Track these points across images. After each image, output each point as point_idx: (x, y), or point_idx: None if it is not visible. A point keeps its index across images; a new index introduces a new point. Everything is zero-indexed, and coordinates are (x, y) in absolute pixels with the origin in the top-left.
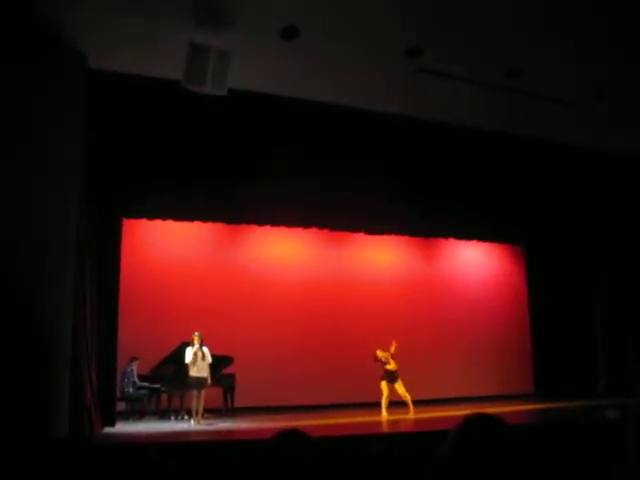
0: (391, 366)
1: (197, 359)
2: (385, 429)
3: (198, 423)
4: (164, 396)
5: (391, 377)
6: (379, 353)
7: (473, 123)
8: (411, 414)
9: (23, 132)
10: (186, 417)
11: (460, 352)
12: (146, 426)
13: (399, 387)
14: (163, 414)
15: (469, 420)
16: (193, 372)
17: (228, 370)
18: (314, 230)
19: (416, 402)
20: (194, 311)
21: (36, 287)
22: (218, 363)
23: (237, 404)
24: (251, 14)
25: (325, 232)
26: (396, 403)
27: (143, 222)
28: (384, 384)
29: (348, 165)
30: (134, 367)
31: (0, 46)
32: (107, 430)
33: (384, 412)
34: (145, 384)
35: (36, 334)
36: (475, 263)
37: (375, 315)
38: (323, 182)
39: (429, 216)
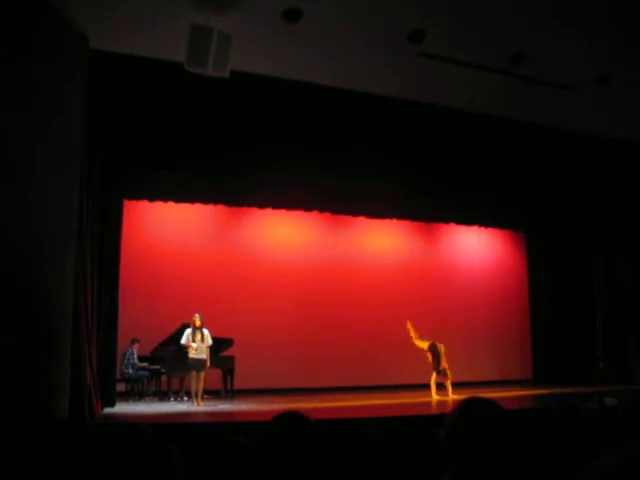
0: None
1: (196, 341)
2: (383, 412)
3: (197, 405)
4: (164, 377)
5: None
6: (419, 344)
7: (475, 108)
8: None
9: (23, 113)
10: (185, 398)
11: (460, 337)
12: (146, 407)
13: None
14: (163, 395)
15: (465, 404)
16: (192, 354)
17: (228, 352)
18: (315, 213)
19: (415, 386)
20: (195, 293)
21: (37, 269)
22: (218, 345)
23: (236, 386)
24: None
25: (326, 216)
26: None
27: (144, 204)
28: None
29: (349, 149)
30: (134, 349)
31: (1, 26)
32: (107, 411)
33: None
34: (145, 365)
35: (37, 316)
36: (476, 249)
37: (375, 299)
38: (324, 165)
39: (430, 201)
